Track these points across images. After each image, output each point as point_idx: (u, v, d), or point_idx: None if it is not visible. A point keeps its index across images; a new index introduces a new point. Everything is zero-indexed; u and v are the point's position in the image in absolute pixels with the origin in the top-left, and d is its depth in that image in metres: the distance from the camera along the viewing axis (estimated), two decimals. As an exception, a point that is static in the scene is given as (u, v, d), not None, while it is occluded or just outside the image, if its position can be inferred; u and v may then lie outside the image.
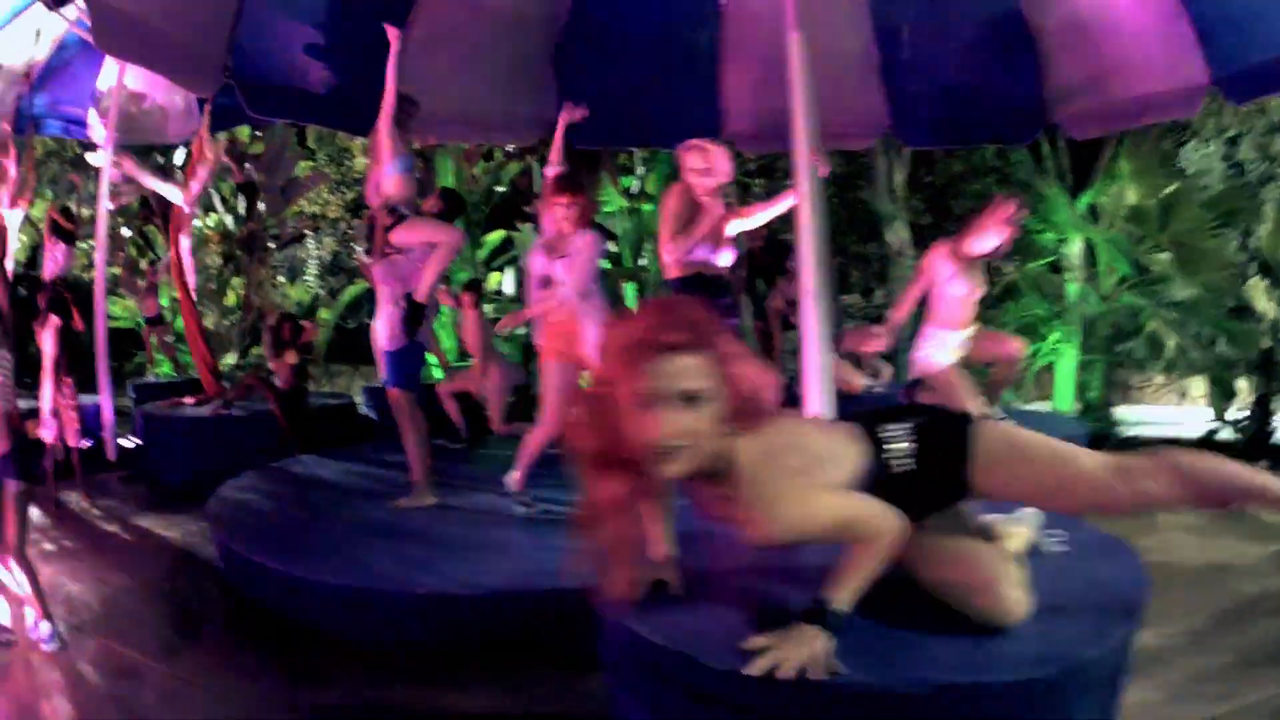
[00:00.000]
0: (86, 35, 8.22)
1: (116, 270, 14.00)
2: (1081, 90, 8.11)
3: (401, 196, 6.47)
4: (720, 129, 9.14)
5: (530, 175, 13.38)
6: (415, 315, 6.47)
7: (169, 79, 7.92)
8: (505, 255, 13.93)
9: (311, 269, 21.39)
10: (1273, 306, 9.53)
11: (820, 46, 5.41)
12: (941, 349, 7.42)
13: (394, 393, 6.67)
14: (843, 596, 2.57)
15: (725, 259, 6.14)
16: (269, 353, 9.93)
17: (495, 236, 13.76)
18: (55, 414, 8.58)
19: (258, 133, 14.90)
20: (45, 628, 5.14)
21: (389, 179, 6.43)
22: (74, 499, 8.56)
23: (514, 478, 6.59)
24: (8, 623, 5.28)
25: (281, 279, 18.36)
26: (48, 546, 7.19)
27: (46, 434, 8.52)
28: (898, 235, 11.66)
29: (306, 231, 18.73)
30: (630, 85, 9.02)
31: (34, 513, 7.52)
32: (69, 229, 9.60)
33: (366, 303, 14.81)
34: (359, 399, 11.70)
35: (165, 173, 14.13)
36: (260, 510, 6.81)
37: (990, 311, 8.76)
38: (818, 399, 5.31)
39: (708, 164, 5.98)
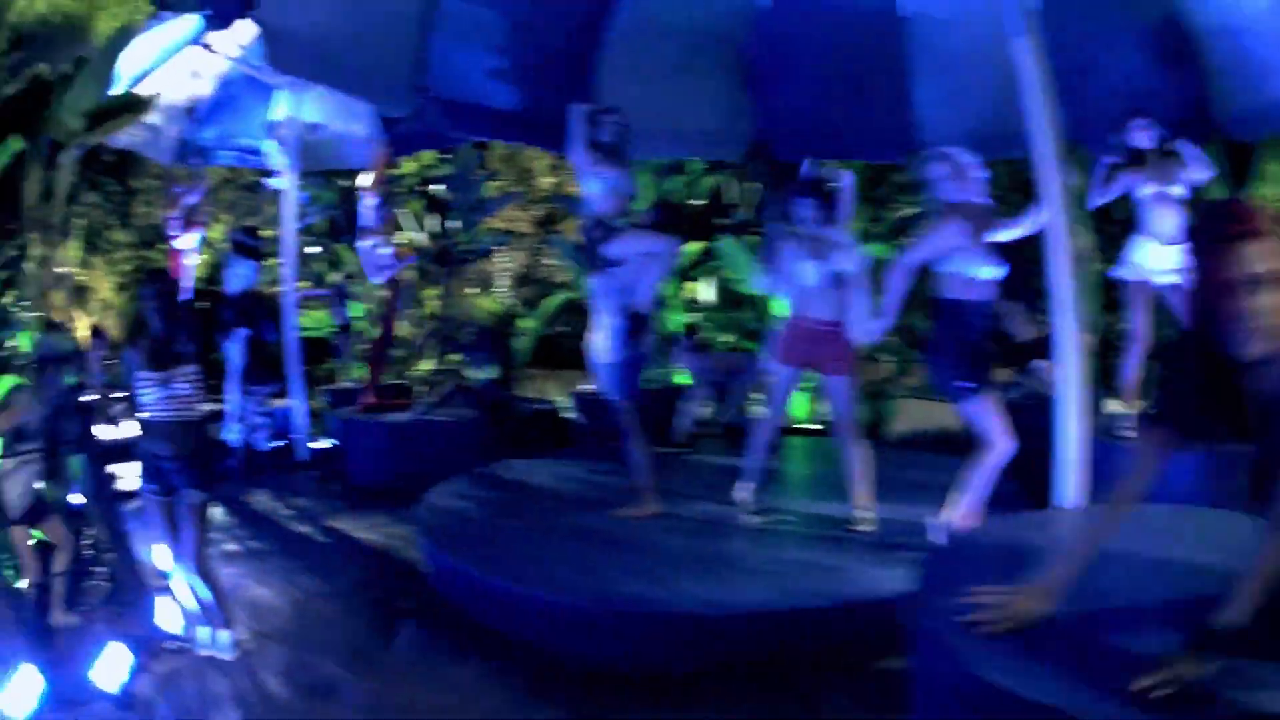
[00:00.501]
0: (251, 71, 8.73)
1: (305, 284, 14.10)
2: (1240, 91, 7.57)
3: (612, 210, 6.15)
4: (913, 139, 8.50)
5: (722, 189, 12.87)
6: (637, 327, 6.16)
7: (361, 99, 7.87)
8: (703, 266, 13.33)
9: (502, 281, 21.69)
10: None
11: (1003, 55, 5.29)
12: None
13: (619, 403, 6.27)
14: (1242, 609, 2.36)
15: (993, 272, 5.28)
16: (472, 361, 9.45)
17: (695, 248, 13.11)
18: (242, 418, 8.22)
19: (444, 155, 14.94)
20: (225, 636, 4.63)
21: (596, 195, 6.15)
22: (262, 499, 8.06)
23: (743, 487, 6.09)
24: (181, 631, 4.78)
25: (473, 291, 18.26)
26: (232, 547, 6.65)
27: (231, 435, 8.17)
28: (1080, 240, 10.92)
29: (493, 248, 18.83)
30: (820, 98, 8.71)
31: (217, 513, 7.12)
32: (252, 247, 9.67)
33: (564, 312, 14.61)
34: (563, 403, 11.18)
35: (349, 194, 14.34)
36: (471, 517, 6.33)
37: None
38: (1074, 408, 5.05)
39: (957, 171, 5.31)
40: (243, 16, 5.62)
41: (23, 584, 4.82)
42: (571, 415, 10.83)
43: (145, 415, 4.61)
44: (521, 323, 15.95)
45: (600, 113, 6.17)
